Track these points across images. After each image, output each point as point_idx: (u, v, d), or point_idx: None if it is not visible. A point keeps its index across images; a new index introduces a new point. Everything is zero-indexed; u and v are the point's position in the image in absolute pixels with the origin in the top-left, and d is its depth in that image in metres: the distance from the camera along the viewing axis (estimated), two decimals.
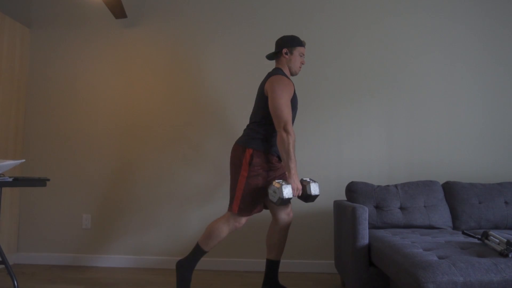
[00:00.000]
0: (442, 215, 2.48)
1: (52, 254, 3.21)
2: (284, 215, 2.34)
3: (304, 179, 2.25)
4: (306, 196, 2.22)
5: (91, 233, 3.20)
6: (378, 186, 2.60)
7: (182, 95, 3.24)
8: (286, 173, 2.18)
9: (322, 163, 3.08)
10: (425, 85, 3.08)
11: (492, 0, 3.11)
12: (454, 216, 2.52)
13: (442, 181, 2.99)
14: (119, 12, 3.07)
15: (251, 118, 2.35)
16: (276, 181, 2.12)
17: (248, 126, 2.34)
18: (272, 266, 2.36)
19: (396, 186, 2.60)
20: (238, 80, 3.20)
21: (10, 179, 2.20)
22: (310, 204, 3.06)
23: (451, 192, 2.59)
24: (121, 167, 3.23)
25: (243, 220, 2.25)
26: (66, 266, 3.15)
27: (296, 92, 2.30)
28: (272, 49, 3.19)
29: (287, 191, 2.06)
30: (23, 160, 2.20)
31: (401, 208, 2.50)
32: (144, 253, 3.13)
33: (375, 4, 3.17)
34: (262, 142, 2.23)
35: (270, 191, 2.12)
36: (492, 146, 3.01)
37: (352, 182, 2.62)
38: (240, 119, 3.14)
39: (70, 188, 3.25)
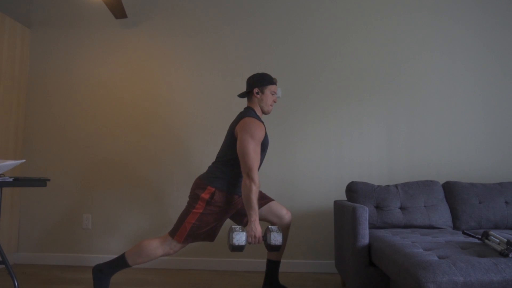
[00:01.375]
0: (442, 215, 2.48)
1: (52, 254, 3.21)
2: (276, 218, 2.34)
3: (270, 227, 2.13)
4: (266, 245, 2.11)
5: (91, 233, 3.20)
6: (378, 186, 2.60)
7: (182, 95, 3.24)
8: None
9: (322, 163, 3.08)
10: (425, 85, 3.08)
11: (492, 0, 3.11)
12: (454, 216, 2.52)
13: (442, 181, 2.99)
14: (119, 12, 3.07)
15: (218, 156, 2.29)
16: (233, 226, 2.07)
17: (214, 163, 2.29)
18: (273, 266, 2.36)
19: (396, 186, 2.60)
20: (239, 79, 3.20)
21: (10, 179, 2.20)
22: (310, 204, 3.06)
23: (451, 192, 2.59)
24: (121, 167, 3.23)
25: (179, 248, 2.21)
26: (66, 266, 3.15)
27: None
28: (273, 47, 3.19)
29: (238, 239, 2.00)
30: (23, 160, 2.20)
31: (401, 208, 2.50)
32: None
33: (375, 2, 3.17)
34: (226, 182, 2.19)
35: (228, 234, 2.08)
36: (492, 146, 3.01)
37: (352, 182, 2.62)
38: None
39: (70, 188, 3.25)
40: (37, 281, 2.68)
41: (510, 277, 1.40)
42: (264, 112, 2.33)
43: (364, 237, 2.08)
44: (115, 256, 3.13)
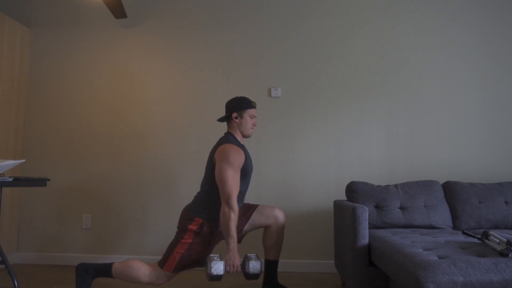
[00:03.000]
0: (442, 215, 2.48)
1: (52, 254, 3.21)
2: (271, 219, 2.34)
3: (249, 255, 2.15)
4: (245, 274, 2.11)
5: (91, 233, 3.20)
6: (378, 186, 2.60)
7: (182, 95, 3.24)
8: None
9: (322, 163, 3.08)
10: (425, 84, 3.08)
11: (492, 0, 3.11)
12: (454, 216, 2.52)
13: (442, 181, 2.99)
14: (119, 12, 3.07)
15: (202, 185, 2.29)
16: (211, 255, 2.07)
17: (198, 193, 2.29)
18: (271, 266, 2.36)
19: (396, 186, 2.60)
20: (239, 79, 3.20)
21: (10, 179, 2.21)
22: (310, 204, 3.06)
23: (451, 192, 2.59)
24: (121, 167, 3.23)
25: (166, 280, 2.18)
26: (66, 266, 3.15)
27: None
28: (272, 47, 3.19)
29: (216, 268, 1.99)
30: (23, 160, 2.20)
31: (401, 208, 2.50)
32: (144, 253, 3.13)
33: (375, 2, 3.18)
34: (212, 212, 2.19)
35: (206, 264, 2.06)
36: (492, 146, 3.01)
37: (352, 182, 2.62)
38: None
39: (70, 188, 3.25)
40: (37, 281, 2.68)
41: (510, 277, 1.40)
42: (244, 136, 2.32)
43: (364, 237, 2.08)
44: (115, 256, 3.14)
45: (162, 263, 2.18)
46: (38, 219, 3.26)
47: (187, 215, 2.21)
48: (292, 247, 3.04)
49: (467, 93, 3.06)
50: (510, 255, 1.50)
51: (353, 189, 2.58)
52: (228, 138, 2.24)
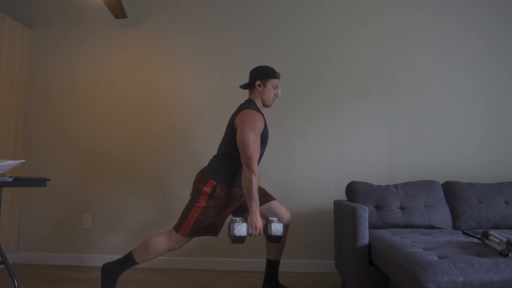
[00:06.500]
0: (442, 215, 2.48)
1: (52, 254, 3.21)
2: (274, 217, 2.33)
3: (271, 218, 2.15)
4: (268, 236, 2.12)
5: (91, 233, 3.20)
6: (378, 186, 2.60)
7: (182, 95, 3.24)
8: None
9: (322, 163, 3.08)
10: (425, 84, 3.08)
11: (492, 0, 3.11)
12: (454, 216, 2.52)
13: (442, 181, 2.99)
14: (119, 12, 3.07)
15: (219, 149, 2.31)
16: (233, 218, 2.08)
17: (215, 156, 2.30)
18: (272, 266, 2.36)
19: (396, 186, 2.60)
20: (239, 79, 3.20)
21: (10, 179, 2.20)
22: (310, 204, 3.06)
23: (451, 192, 2.59)
24: (122, 167, 3.23)
25: (184, 242, 2.22)
26: (66, 266, 3.15)
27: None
28: (272, 47, 3.20)
29: (239, 230, 2.01)
30: (23, 160, 2.20)
31: (401, 208, 2.50)
32: None
33: (375, 2, 3.18)
34: (227, 176, 2.20)
35: (228, 226, 2.08)
36: (492, 146, 3.01)
37: (352, 182, 2.62)
38: None
39: (70, 188, 3.25)
40: (37, 281, 2.68)
41: (510, 277, 1.40)
42: (265, 105, 2.35)
43: (364, 237, 2.08)
44: (115, 256, 3.14)
45: (177, 227, 2.21)
46: (38, 219, 3.26)
47: (202, 178, 2.22)
48: (292, 247, 3.04)
49: (467, 93, 3.06)
50: (510, 255, 1.50)
51: (353, 189, 2.58)
52: (249, 104, 2.27)
